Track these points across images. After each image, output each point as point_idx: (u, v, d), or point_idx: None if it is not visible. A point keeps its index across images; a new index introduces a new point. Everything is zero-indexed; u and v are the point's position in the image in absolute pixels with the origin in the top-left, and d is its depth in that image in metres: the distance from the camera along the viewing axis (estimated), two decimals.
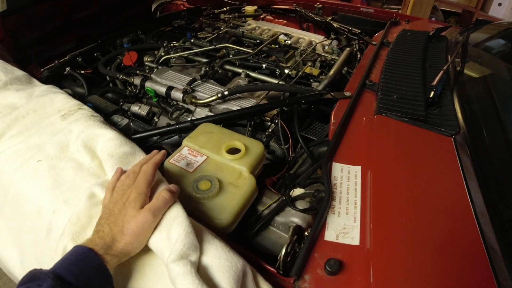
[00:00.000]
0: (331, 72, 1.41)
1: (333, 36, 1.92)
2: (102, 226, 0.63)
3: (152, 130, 1.06)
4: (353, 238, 0.72)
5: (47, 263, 0.60)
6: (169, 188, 0.69)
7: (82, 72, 1.49)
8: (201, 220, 0.71)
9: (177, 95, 1.25)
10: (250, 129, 1.16)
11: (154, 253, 0.66)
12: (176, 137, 1.12)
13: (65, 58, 1.53)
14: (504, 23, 1.86)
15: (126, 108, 1.34)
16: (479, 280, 0.67)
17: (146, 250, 0.67)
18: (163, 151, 0.79)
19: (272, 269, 0.67)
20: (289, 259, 0.69)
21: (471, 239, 0.73)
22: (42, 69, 1.43)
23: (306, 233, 0.74)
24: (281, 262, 0.68)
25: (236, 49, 1.54)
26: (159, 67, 1.44)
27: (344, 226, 0.75)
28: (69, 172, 0.83)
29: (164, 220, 0.65)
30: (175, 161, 0.87)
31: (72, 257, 0.58)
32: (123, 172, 0.75)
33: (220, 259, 0.61)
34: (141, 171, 0.70)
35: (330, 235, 0.73)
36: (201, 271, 0.60)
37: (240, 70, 1.46)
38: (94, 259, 0.58)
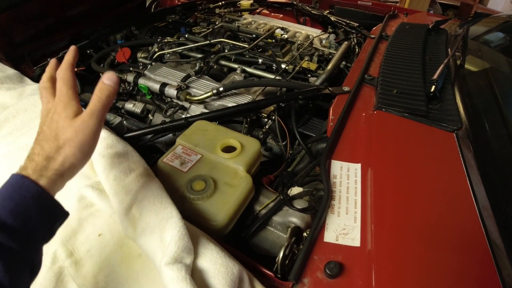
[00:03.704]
0: (329, 67, 1.38)
1: (330, 30, 1.89)
2: (33, 149, 0.53)
3: (145, 129, 1.03)
4: (353, 239, 0.70)
5: None
6: (101, 81, 0.58)
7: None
8: (195, 222, 0.69)
9: (171, 91, 1.22)
10: (246, 126, 1.14)
11: (146, 257, 0.64)
12: (170, 135, 1.09)
13: (58, 56, 1.50)
14: (503, 16, 1.83)
15: (120, 106, 1.31)
16: (482, 277, 0.65)
17: (138, 253, 0.65)
18: (72, 47, 0.65)
19: (269, 272, 0.64)
20: (287, 262, 0.67)
21: (475, 235, 0.71)
22: (34, 67, 1.40)
23: (305, 234, 0.72)
24: (279, 265, 0.66)
25: (232, 44, 1.51)
26: (153, 63, 1.41)
27: (344, 227, 0.72)
28: None
29: (156, 221, 0.63)
30: (168, 160, 0.85)
31: (4, 189, 0.49)
32: None
33: (215, 264, 0.58)
34: (59, 79, 0.59)
35: (329, 236, 0.71)
36: (195, 277, 0.58)
37: (235, 66, 1.43)
38: (30, 187, 0.49)
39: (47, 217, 0.52)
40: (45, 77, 0.61)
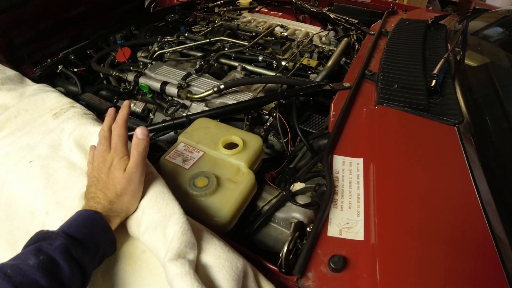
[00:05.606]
0: (329, 63, 1.38)
1: (330, 27, 1.89)
2: (95, 193, 0.65)
3: (147, 127, 1.03)
4: (357, 233, 0.70)
5: None
6: (136, 137, 0.68)
7: (75, 70, 1.46)
8: (199, 218, 0.69)
9: (172, 90, 1.22)
10: (247, 123, 1.14)
11: (151, 253, 0.63)
12: (172, 133, 1.09)
13: (58, 57, 1.50)
14: (502, 11, 1.84)
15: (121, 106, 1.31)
16: (487, 271, 0.65)
17: (142, 250, 0.65)
18: (126, 102, 0.74)
19: (274, 267, 0.64)
20: (291, 256, 0.67)
21: (478, 229, 0.71)
22: (35, 69, 1.40)
23: (308, 229, 0.72)
24: (283, 260, 0.66)
25: (232, 42, 1.51)
26: (153, 62, 1.41)
27: (347, 221, 0.72)
28: (61, 172, 0.81)
29: (159, 218, 0.63)
30: (170, 158, 0.85)
31: (80, 219, 0.60)
32: None
33: (219, 259, 0.58)
34: (115, 134, 0.69)
35: (333, 230, 0.71)
36: (199, 272, 0.57)
37: (236, 64, 1.43)
38: (101, 221, 0.60)
39: (107, 247, 0.62)
40: (106, 126, 0.71)
